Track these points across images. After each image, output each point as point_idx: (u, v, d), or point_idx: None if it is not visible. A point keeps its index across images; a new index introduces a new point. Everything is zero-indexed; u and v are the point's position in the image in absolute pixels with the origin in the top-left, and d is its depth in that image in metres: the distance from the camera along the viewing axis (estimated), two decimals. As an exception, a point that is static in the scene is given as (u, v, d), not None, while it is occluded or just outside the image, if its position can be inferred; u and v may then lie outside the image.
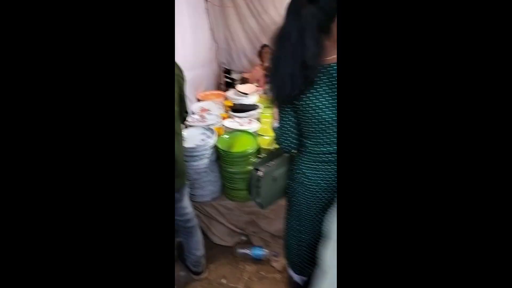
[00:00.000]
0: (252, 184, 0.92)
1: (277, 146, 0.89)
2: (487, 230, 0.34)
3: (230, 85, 3.34)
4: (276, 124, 0.93)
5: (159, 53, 0.42)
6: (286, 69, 0.71)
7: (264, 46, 2.64)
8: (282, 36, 0.73)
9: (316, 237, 0.86)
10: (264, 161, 0.91)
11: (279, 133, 0.84)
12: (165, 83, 0.43)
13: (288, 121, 0.81)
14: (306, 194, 0.85)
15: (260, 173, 0.88)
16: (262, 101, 2.05)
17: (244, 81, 3.21)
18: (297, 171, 0.85)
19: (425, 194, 0.36)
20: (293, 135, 0.82)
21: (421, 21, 0.36)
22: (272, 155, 0.94)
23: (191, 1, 2.06)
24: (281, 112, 0.82)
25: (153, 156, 0.42)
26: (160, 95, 0.42)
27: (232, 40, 3.14)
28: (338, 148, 0.51)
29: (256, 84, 2.71)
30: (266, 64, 2.53)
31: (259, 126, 1.66)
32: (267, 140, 1.50)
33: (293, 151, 0.86)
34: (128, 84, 0.40)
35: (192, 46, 2.03)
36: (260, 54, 2.65)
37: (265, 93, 2.20)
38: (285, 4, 0.74)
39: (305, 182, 0.83)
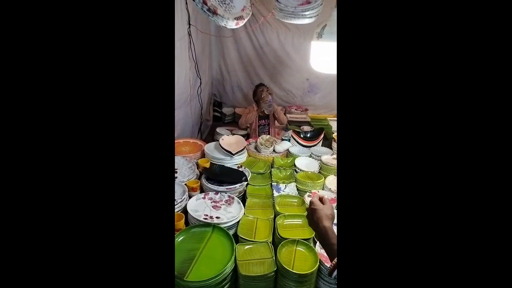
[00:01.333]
0: None
1: None
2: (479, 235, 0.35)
3: (219, 119, 2.94)
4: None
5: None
6: None
7: (260, 85, 2.19)
8: None
9: None
10: None
11: None
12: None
13: None
14: None
15: None
16: (252, 164, 1.51)
17: (235, 116, 2.77)
18: None
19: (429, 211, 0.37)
20: None
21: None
22: None
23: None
24: None
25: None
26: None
27: (227, 71, 2.79)
28: (338, 153, 0.51)
29: (248, 127, 2.22)
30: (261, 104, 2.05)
31: (242, 213, 1.09)
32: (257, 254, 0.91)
33: None
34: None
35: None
36: (255, 94, 2.17)
37: (256, 148, 1.68)
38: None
39: None
